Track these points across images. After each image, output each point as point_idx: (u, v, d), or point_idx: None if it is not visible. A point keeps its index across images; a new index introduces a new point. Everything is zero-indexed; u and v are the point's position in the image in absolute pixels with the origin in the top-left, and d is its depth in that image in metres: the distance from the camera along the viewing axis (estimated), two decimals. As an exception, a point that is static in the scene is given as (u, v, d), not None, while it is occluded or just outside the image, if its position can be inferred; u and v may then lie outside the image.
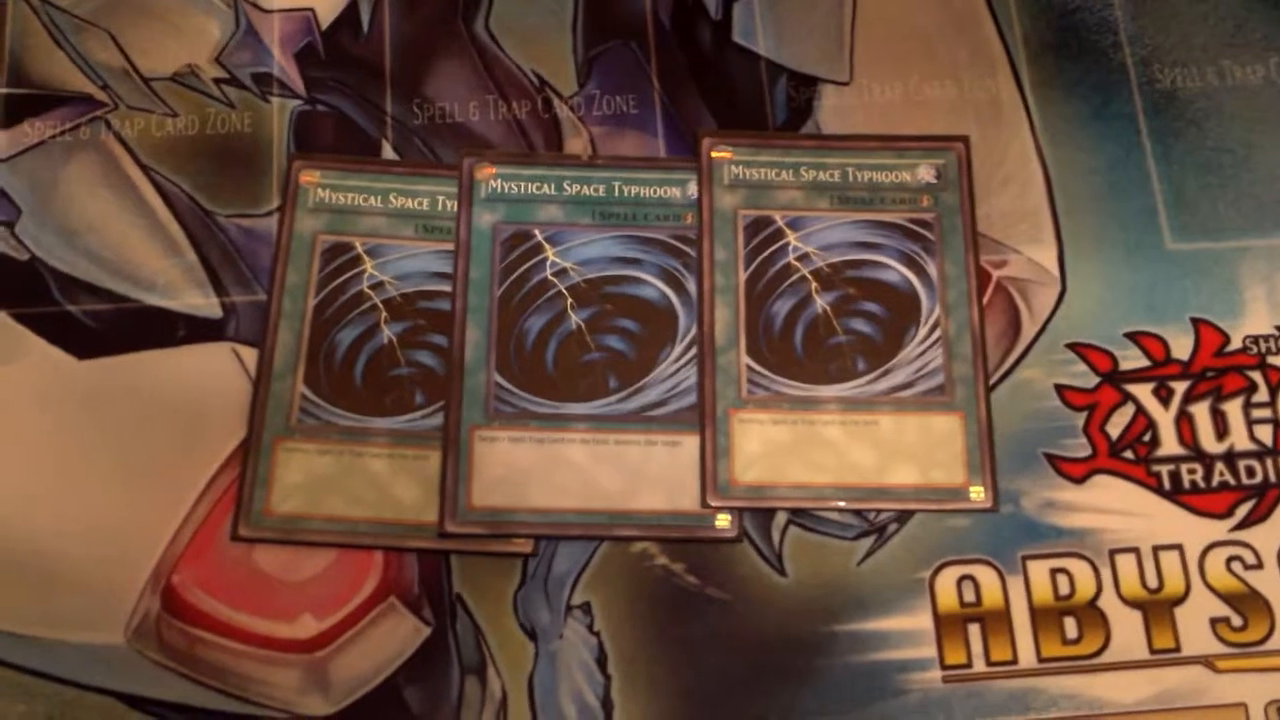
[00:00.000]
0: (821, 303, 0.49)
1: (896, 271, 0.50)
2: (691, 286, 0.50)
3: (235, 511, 0.47)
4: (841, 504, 0.47)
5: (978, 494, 0.47)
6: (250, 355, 0.49)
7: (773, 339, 0.49)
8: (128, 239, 0.50)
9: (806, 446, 0.47)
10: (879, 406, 0.48)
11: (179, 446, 0.47)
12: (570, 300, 0.49)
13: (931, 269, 0.50)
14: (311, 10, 0.53)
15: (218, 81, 0.53)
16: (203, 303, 0.49)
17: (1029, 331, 0.50)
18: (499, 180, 0.51)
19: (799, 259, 0.50)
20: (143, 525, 0.46)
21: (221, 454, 0.47)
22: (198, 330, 0.49)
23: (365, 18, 0.53)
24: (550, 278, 0.50)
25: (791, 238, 0.50)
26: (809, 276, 0.50)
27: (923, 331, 0.49)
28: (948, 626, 0.47)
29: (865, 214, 0.51)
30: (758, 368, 0.48)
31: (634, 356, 0.49)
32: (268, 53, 0.53)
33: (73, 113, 0.52)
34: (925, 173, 0.51)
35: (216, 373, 0.48)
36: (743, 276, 0.49)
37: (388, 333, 0.49)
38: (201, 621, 0.46)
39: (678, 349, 0.49)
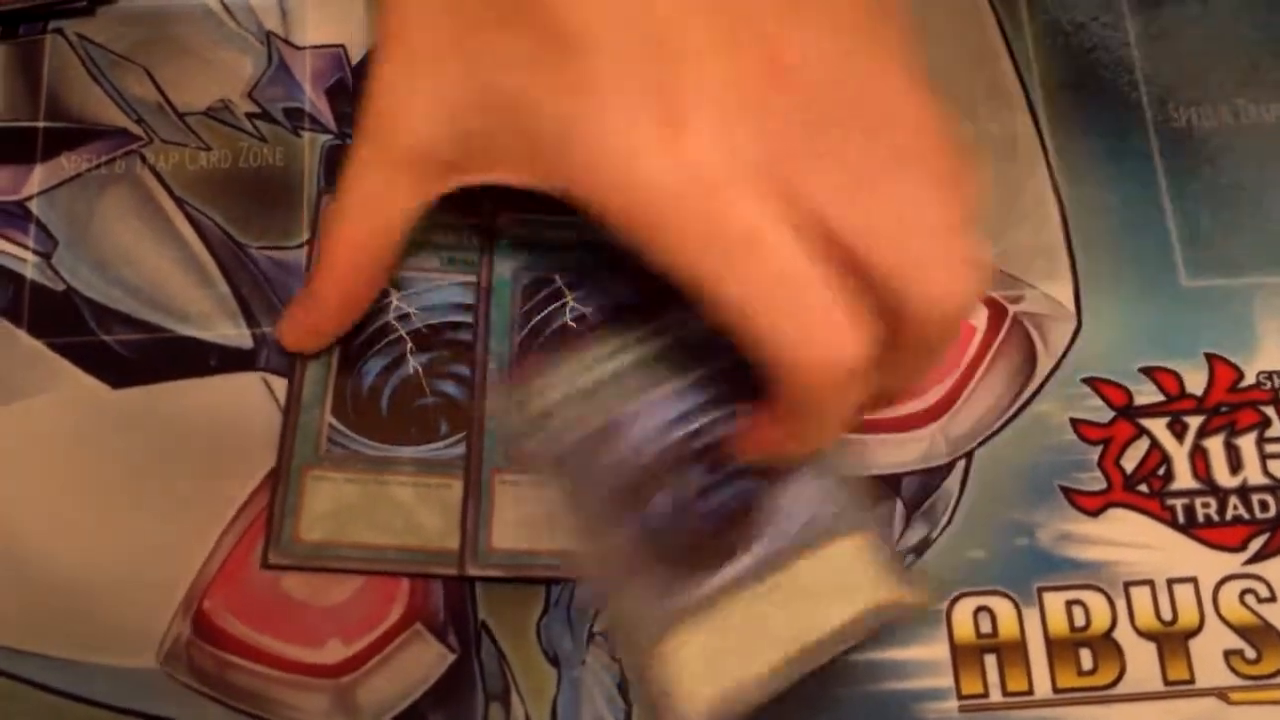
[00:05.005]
0: None
1: None
2: None
3: (265, 539, 0.47)
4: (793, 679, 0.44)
5: (912, 598, 0.46)
6: (281, 385, 0.49)
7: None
8: (161, 270, 0.51)
9: (738, 636, 0.44)
10: (787, 559, 0.45)
11: (210, 474, 0.48)
12: None
13: None
14: (342, 47, 0.54)
15: (250, 116, 0.53)
16: (234, 333, 0.50)
17: (1044, 366, 0.51)
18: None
19: None
20: (174, 551, 0.47)
21: (252, 481, 0.48)
22: (229, 360, 0.50)
23: (395, 54, 0.54)
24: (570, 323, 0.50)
25: None
26: None
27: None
28: (964, 657, 0.47)
29: None
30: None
31: None
32: (299, 88, 0.54)
33: (108, 146, 0.53)
34: None
35: (247, 402, 0.49)
36: None
37: (414, 363, 0.50)
38: (231, 646, 0.46)
39: None
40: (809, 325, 0.38)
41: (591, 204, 0.39)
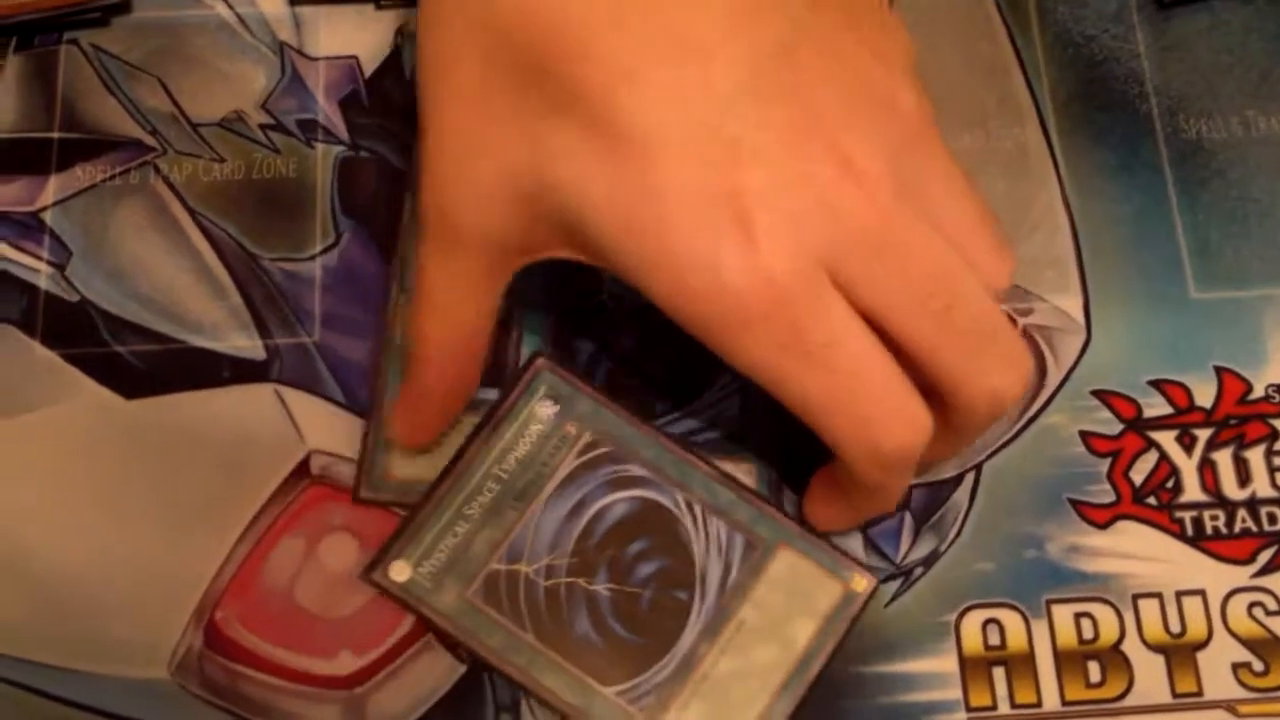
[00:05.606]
0: None
1: None
2: None
3: (357, 475, 0.48)
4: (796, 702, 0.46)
5: (860, 584, 0.47)
6: (293, 395, 0.50)
7: None
8: (175, 281, 0.51)
9: (725, 692, 0.45)
10: (732, 606, 0.46)
11: (223, 484, 0.48)
12: None
13: None
14: (355, 58, 0.55)
15: (264, 128, 0.54)
16: (247, 345, 0.50)
17: (1054, 378, 0.51)
18: None
19: None
20: (186, 562, 0.47)
21: (264, 492, 0.48)
22: (242, 371, 0.50)
23: (407, 65, 0.55)
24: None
25: None
26: None
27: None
28: (973, 669, 0.47)
29: None
30: None
31: None
32: (313, 99, 0.54)
33: (123, 157, 0.53)
34: None
35: (260, 413, 0.49)
36: None
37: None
38: (243, 657, 0.46)
39: None
40: (886, 421, 0.40)
41: (658, 301, 0.39)
